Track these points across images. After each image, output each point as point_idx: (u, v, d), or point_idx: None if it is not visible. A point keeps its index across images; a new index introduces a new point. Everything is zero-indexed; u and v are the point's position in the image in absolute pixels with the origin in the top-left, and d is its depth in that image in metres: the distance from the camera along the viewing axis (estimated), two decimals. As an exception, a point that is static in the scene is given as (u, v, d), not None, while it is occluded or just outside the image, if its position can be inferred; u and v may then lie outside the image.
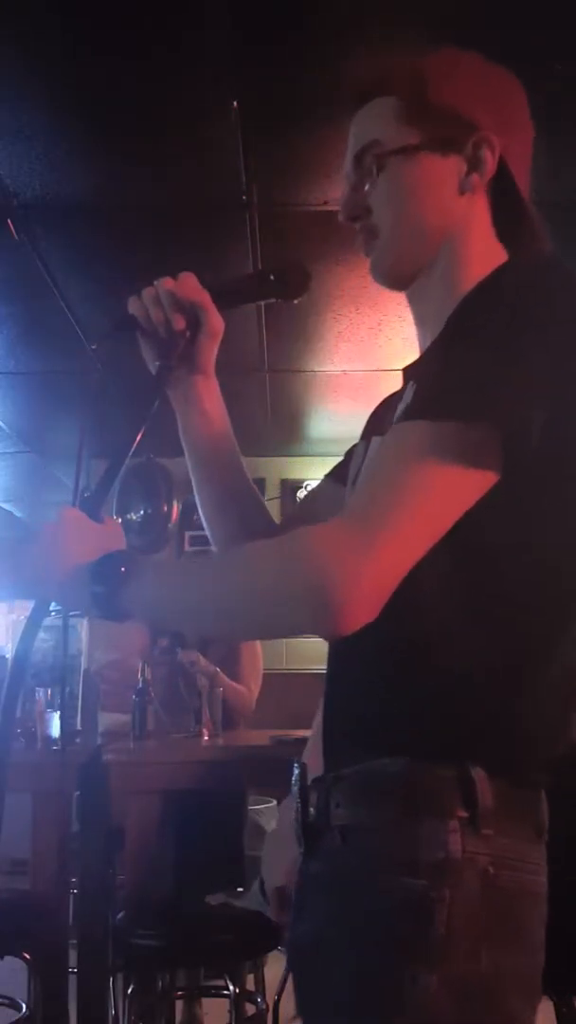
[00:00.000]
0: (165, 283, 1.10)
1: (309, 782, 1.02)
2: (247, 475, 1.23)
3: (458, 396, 0.85)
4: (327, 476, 1.26)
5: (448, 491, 0.85)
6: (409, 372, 1.03)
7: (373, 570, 0.82)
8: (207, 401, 1.19)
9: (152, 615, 1.00)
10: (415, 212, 1.04)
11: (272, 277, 1.15)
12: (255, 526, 1.21)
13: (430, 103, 1.02)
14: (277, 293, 1.15)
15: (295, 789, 1.02)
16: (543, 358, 0.85)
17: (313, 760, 1.04)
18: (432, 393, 0.88)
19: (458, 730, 0.91)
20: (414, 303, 1.09)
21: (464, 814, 0.88)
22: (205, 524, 1.24)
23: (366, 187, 1.05)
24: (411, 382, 0.97)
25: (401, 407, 0.95)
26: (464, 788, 0.88)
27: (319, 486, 1.27)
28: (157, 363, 1.13)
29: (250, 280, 1.16)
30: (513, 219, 1.03)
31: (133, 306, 1.10)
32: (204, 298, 1.11)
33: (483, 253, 1.01)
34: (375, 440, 1.06)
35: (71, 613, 1.02)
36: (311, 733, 1.24)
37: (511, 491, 0.88)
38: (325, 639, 0.91)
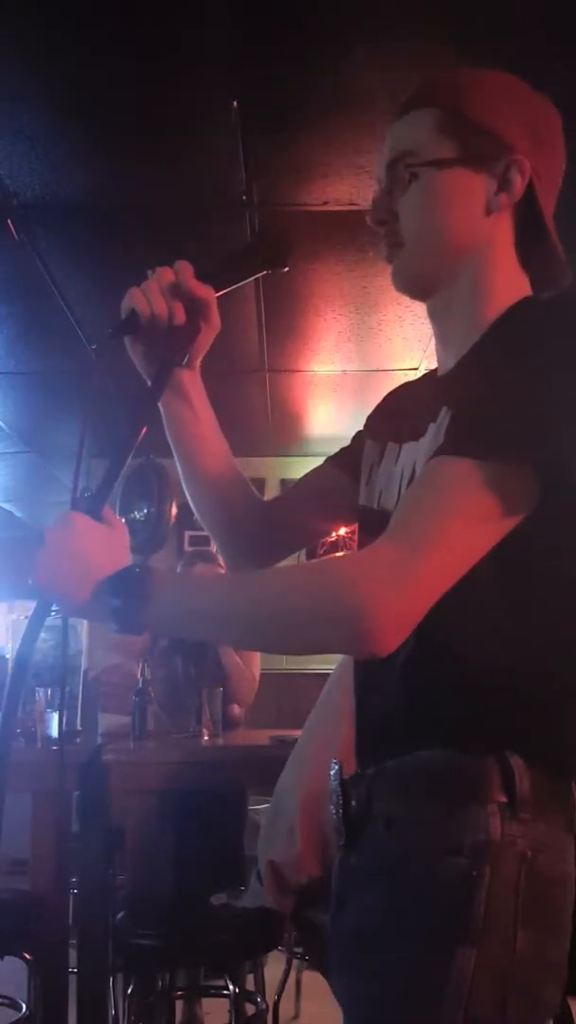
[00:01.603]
0: (165, 275, 1.09)
1: (349, 776, 1.04)
2: (234, 464, 1.25)
3: (502, 437, 0.89)
4: (330, 461, 1.27)
5: (487, 528, 0.90)
6: (441, 392, 1.03)
7: (410, 604, 0.87)
8: (194, 395, 1.19)
9: (176, 630, 1.01)
10: (442, 224, 1.05)
11: (255, 246, 1.14)
12: (249, 513, 1.24)
13: (468, 119, 1.03)
14: (265, 263, 1.13)
15: (335, 784, 1.04)
16: (568, 398, 0.88)
17: (345, 755, 1.07)
18: (475, 429, 0.91)
19: (497, 722, 0.94)
20: (436, 321, 1.10)
21: (503, 799, 0.91)
22: (199, 515, 1.26)
23: (396, 195, 1.06)
24: (444, 406, 0.98)
25: (433, 429, 0.98)
26: (503, 775, 0.92)
27: (320, 470, 1.27)
28: (160, 360, 1.12)
29: (236, 256, 1.14)
30: (536, 245, 1.05)
31: (136, 299, 1.08)
32: (207, 293, 1.10)
33: (508, 278, 1.04)
34: (406, 448, 1.07)
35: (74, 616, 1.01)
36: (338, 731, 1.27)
37: (552, 502, 0.92)
38: (356, 657, 0.95)
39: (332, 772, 1.05)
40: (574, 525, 0.95)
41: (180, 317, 1.09)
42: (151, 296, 1.08)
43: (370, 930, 0.96)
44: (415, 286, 1.10)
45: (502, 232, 1.04)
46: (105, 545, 0.99)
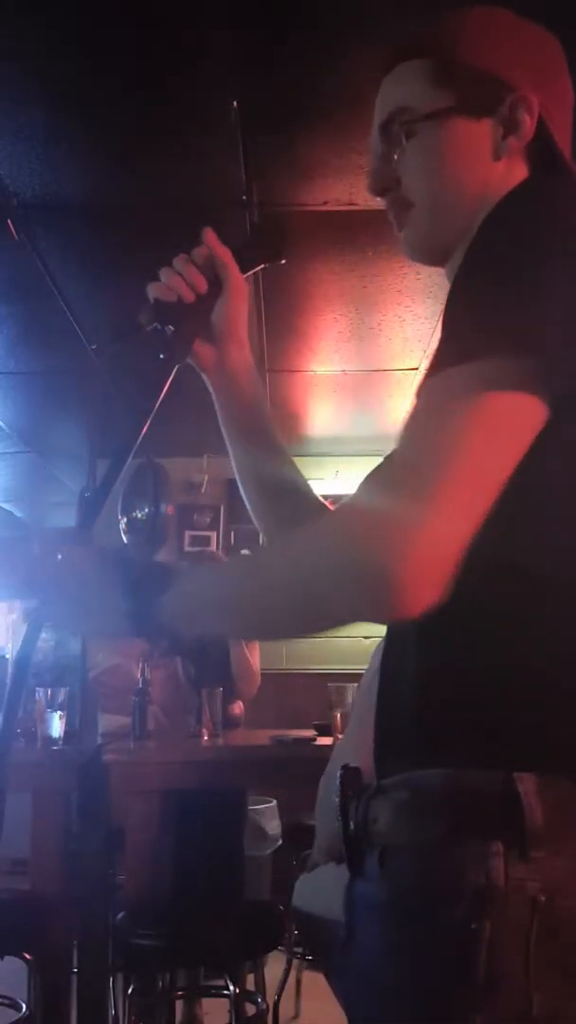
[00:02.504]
0: (179, 260, 1.05)
1: (350, 792, 0.92)
2: (288, 456, 1.16)
3: (496, 332, 0.76)
4: None
5: (500, 434, 0.75)
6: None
7: (431, 535, 0.72)
8: (242, 374, 1.11)
9: (191, 624, 0.91)
10: (449, 180, 0.96)
11: (252, 240, 1.12)
12: (304, 513, 1.11)
13: (462, 63, 0.95)
14: (262, 256, 1.11)
15: (335, 799, 0.92)
16: (565, 286, 0.77)
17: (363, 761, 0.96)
18: (466, 334, 0.78)
19: (507, 734, 0.81)
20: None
21: (509, 833, 0.77)
22: (252, 513, 1.17)
23: (395, 157, 0.98)
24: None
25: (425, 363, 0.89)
26: (508, 803, 0.77)
27: None
28: (169, 331, 1.04)
29: (234, 251, 1.12)
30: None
31: (155, 290, 1.03)
32: (224, 252, 1.04)
33: None
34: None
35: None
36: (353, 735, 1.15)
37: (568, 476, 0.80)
38: (387, 621, 0.82)
39: (335, 785, 0.94)
40: None
41: (198, 285, 1.03)
42: (165, 276, 1.03)
43: (377, 977, 0.84)
44: (428, 249, 1.01)
45: (516, 177, 0.95)
46: (103, 573, 0.93)
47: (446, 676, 0.85)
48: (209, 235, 1.05)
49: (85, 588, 0.93)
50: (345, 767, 0.93)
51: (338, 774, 0.93)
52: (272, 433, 1.16)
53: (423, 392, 0.78)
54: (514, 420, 0.76)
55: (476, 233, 0.87)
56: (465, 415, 0.74)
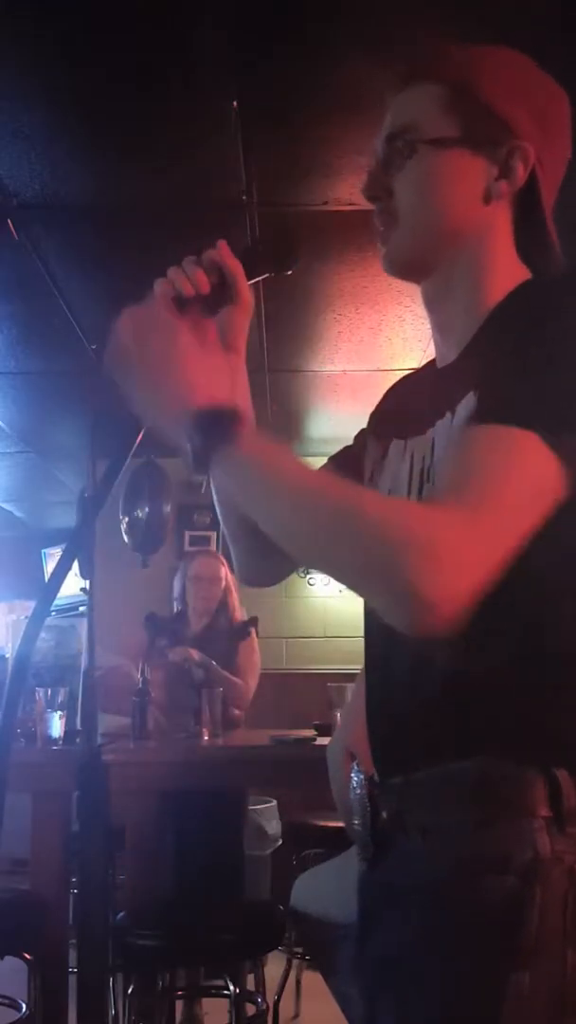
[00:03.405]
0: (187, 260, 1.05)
1: (375, 785, 0.99)
2: None
3: (541, 407, 0.84)
4: (331, 460, 1.22)
5: (534, 499, 0.83)
6: (455, 380, 0.97)
7: (471, 568, 0.79)
8: (240, 381, 1.11)
9: (238, 495, 0.93)
10: (438, 204, 1.01)
11: (260, 249, 1.10)
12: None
13: (474, 98, 0.99)
14: (267, 267, 1.11)
15: (360, 794, 0.99)
16: None
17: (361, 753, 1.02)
18: (513, 400, 0.85)
19: (541, 731, 0.89)
20: (433, 309, 1.05)
21: (548, 813, 0.87)
22: (226, 534, 1.20)
23: (393, 169, 1.02)
24: (470, 390, 0.92)
25: (464, 413, 0.92)
26: (549, 788, 0.87)
27: (321, 471, 1.18)
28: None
29: (241, 257, 1.11)
30: (534, 237, 1.00)
31: (158, 285, 1.03)
32: (235, 264, 1.05)
33: (508, 267, 1.00)
34: (411, 443, 1.03)
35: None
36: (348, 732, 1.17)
37: None
38: (405, 626, 0.84)
39: (355, 781, 1.00)
40: None
41: (201, 285, 1.02)
42: (173, 276, 1.03)
43: (411, 954, 0.90)
44: (407, 267, 1.05)
45: (500, 221, 1.00)
46: (208, 369, 0.94)
47: (474, 676, 0.91)
48: (222, 247, 1.05)
49: (173, 390, 0.92)
50: (362, 770, 0.99)
51: (356, 771, 1.00)
52: None
53: (489, 435, 0.85)
54: (543, 484, 0.83)
55: (502, 313, 0.94)
56: (510, 470, 0.83)
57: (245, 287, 1.06)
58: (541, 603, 0.90)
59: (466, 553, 0.80)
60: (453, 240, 1.00)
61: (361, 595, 0.88)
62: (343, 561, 0.86)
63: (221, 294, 1.05)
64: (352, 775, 1.01)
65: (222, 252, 1.04)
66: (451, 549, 0.79)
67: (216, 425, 0.89)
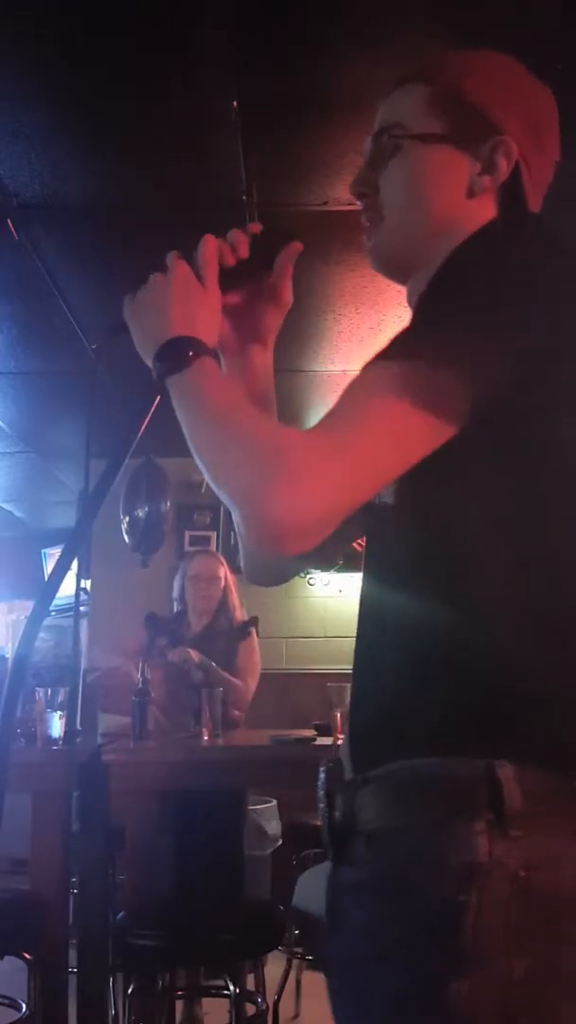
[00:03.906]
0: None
1: (335, 785, 0.98)
2: None
3: (425, 342, 0.86)
4: None
5: (406, 432, 0.84)
6: None
7: (315, 497, 0.82)
8: (257, 369, 1.14)
9: (180, 418, 0.96)
10: (422, 200, 1.02)
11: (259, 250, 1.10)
12: None
13: (460, 97, 1.01)
14: (257, 269, 1.10)
15: (321, 792, 0.99)
16: (514, 312, 0.86)
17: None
18: (400, 340, 0.88)
19: (488, 722, 0.87)
20: (412, 303, 1.05)
21: (490, 815, 0.84)
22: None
23: (380, 166, 1.04)
24: None
25: None
26: (490, 787, 0.84)
27: None
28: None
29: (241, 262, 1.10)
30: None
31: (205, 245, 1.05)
32: (288, 268, 1.08)
33: None
34: None
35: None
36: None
37: (503, 461, 0.88)
38: (254, 539, 0.87)
39: (320, 780, 0.99)
40: (538, 493, 0.90)
41: (240, 248, 1.05)
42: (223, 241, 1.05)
43: (364, 955, 0.89)
44: (391, 264, 1.07)
45: (484, 216, 1.01)
46: (188, 304, 0.99)
47: (428, 671, 0.91)
48: (294, 248, 1.09)
49: (155, 318, 1.00)
50: (328, 762, 0.99)
51: (322, 769, 0.99)
52: None
53: (361, 375, 0.87)
54: (421, 423, 0.84)
55: (445, 261, 0.94)
56: (369, 397, 0.85)
57: (289, 289, 1.10)
58: (484, 599, 0.89)
59: (311, 470, 0.82)
60: (436, 235, 1.00)
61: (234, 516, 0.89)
62: (215, 477, 0.89)
63: (250, 269, 1.07)
64: (320, 773, 1.00)
65: (289, 255, 1.08)
66: (297, 466, 0.82)
67: (175, 352, 0.96)
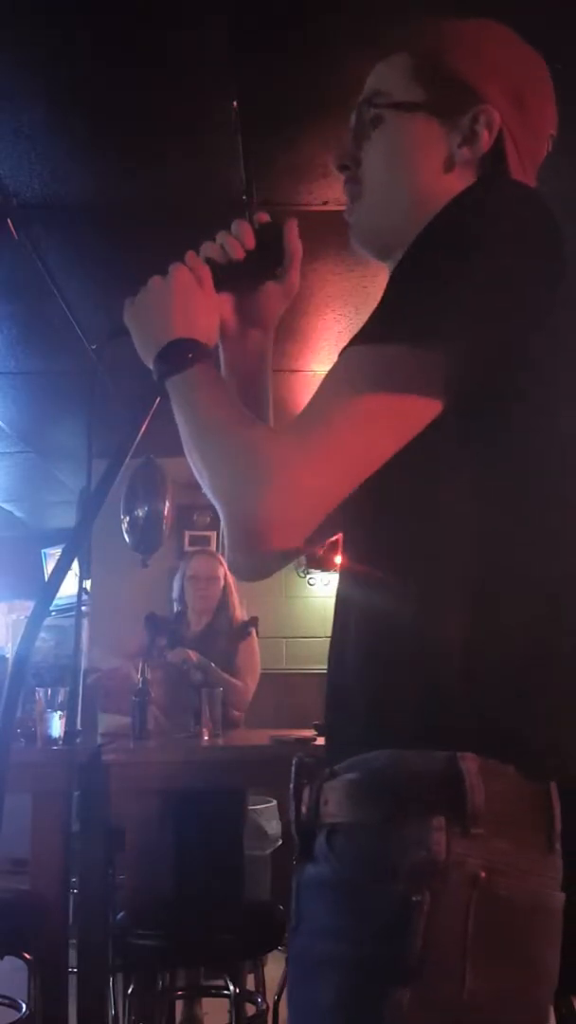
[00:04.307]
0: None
1: (304, 779, 0.94)
2: None
3: (399, 321, 0.83)
4: None
5: (384, 417, 0.82)
6: None
7: (295, 498, 0.82)
8: (258, 361, 1.13)
9: (176, 415, 0.96)
10: (400, 171, 0.99)
11: (266, 244, 1.08)
12: None
13: (442, 66, 0.98)
14: (274, 261, 1.09)
15: (291, 788, 0.94)
16: (487, 283, 0.82)
17: None
18: (374, 320, 0.85)
19: (450, 715, 0.82)
20: None
21: (450, 811, 0.78)
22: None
23: (361, 137, 1.02)
24: None
25: None
26: (451, 780, 0.79)
27: None
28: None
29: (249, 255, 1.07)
30: None
31: (205, 249, 1.05)
32: (297, 247, 1.08)
33: None
34: None
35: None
36: None
37: (475, 440, 0.85)
38: (244, 547, 0.86)
39: (292, 773, 0.95)
40: (512, 471, 0.87)
41: (246, 240, 1.04)
42: (220, 238, 1.05)
43: (315, 953, 0.84)
44: (371, 242, 1.04)
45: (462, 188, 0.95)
46: (189, 306, 0.99)
47: (390, 660, 0.87)
48: (292, 225, 1.08)
49: (157, 322, 1.00)
50: (302, 755, 0.95)
51: (294, 761, 0.95)
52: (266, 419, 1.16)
53: (336, 362, 0.85)
54: (401, 406, 0.82)
55: (417, 236, 0.89)
56: (340, 387, 0.83)
57: (297, 274, 1.09)
58: (451, 591, 0.85)
59: (290, 469, 0.82)
60: (416, 210, 0.95)
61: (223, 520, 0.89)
62: (202, 478, 0.89)
63: (258, 266, 1.06)
64: (292, 766, 0.96)
65: (292, 232, 1.07)
66: (276, 466, 0.82)
67: (176, 354, 0.96)
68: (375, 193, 1.02)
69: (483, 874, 0.77)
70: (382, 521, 0.91)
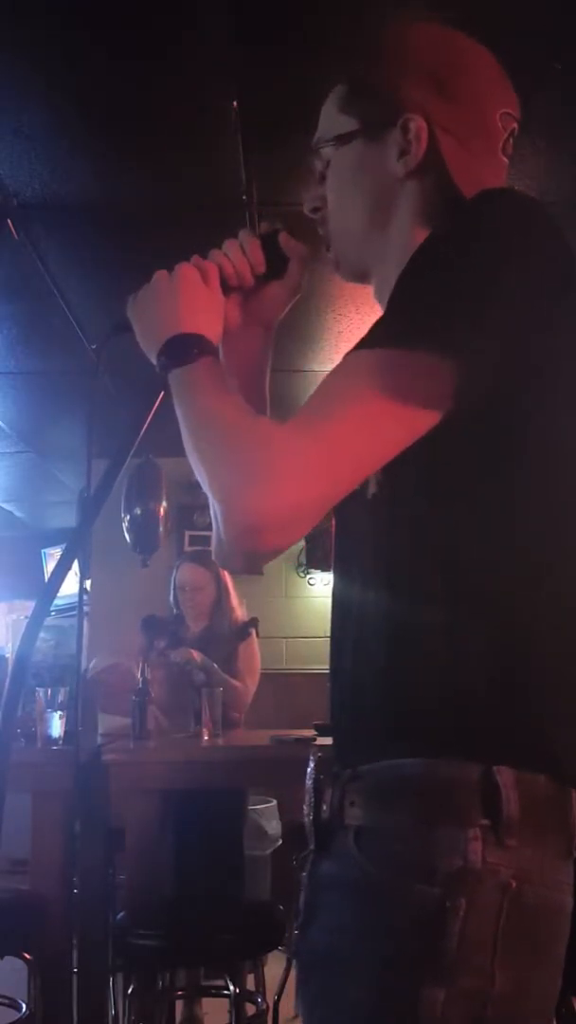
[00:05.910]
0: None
1: (324, 776, 0.95)
2: None
3: (404, 326, 0.85)
4: None
5: (384, 420, 0.83)
6: None
7: (293, 494, 0.82)
8: (258, 358, 1.15)
9: (177, 410, 0.96)
10: (351, 203, 1.03)
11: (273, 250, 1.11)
12: None
13: (367, 86, 0.99)
14: (279, 264, 1.11)
15: (309, 783, 0.96)
16: (495, 291, 0.83)
17: None
18: (380, 325, 0.87)
19: (484, 725, 0.84)
20: (382, 303, 1.01)
21: (486, 822, 0.82)
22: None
23: (322, 179, 1.06)
24: None
25: None
26: (487, 793, 0.82)
27: None
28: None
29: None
30: (445, 203, 0.96)
31: (215, 257, 1.06)
32: (299, 248, 1.10)
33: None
34: None
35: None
36: None
37: (490, 446, 0.86)
38: (238, 544, 0.86)
39: (308, 770, 0.97)
40: (528, 481, 0.87)
41: (254, 255, 1.07)
42: (227, 248, 1.07)
43: (338, 950, 0.87)
44: (350, 270, 1.08)
45: (415, 198, 0.98)
46: (194, 302, 1.00)
47: (418, 667, 0.88)
48: (284, 236, 1.11)
49: (161, 317, 1.00)
50: (318, 751, 0.98)
51: (311, 758, 0.97)
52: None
53: (341, 364, 0.86)
54: (403, 411, 0.82)
55: (424, 242, 0.91)
56: (346, 389, 0.84)
57: (300, 274, 1.12)
58: (489, 603, 0.86)
59: (287, 465, 0.82)
60: (377, 231, 1.01)
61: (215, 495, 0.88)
62: (199, 472, 0.89)
63: (264, 277, 1.10)
64: (309, 763, 0.98)
65: (287, 241, 1.10)
66: (273, 462, 0.82)
67: (180, 347, 0.96)
68: (336, 228, 1.06)
69: (513, 884, 0.81)
70: (409, 528, 0.91)
